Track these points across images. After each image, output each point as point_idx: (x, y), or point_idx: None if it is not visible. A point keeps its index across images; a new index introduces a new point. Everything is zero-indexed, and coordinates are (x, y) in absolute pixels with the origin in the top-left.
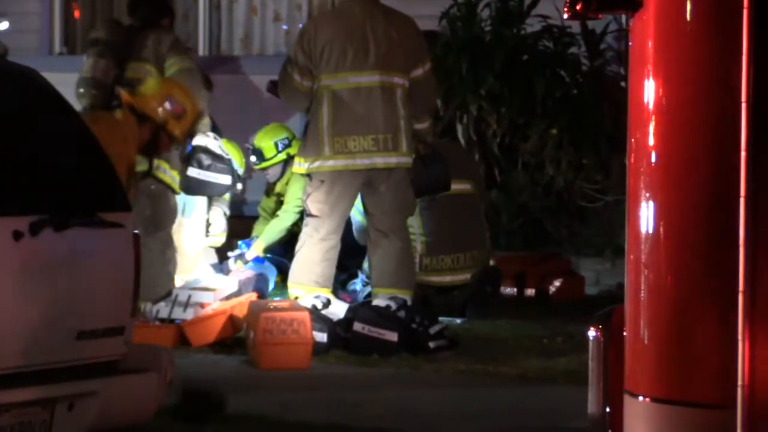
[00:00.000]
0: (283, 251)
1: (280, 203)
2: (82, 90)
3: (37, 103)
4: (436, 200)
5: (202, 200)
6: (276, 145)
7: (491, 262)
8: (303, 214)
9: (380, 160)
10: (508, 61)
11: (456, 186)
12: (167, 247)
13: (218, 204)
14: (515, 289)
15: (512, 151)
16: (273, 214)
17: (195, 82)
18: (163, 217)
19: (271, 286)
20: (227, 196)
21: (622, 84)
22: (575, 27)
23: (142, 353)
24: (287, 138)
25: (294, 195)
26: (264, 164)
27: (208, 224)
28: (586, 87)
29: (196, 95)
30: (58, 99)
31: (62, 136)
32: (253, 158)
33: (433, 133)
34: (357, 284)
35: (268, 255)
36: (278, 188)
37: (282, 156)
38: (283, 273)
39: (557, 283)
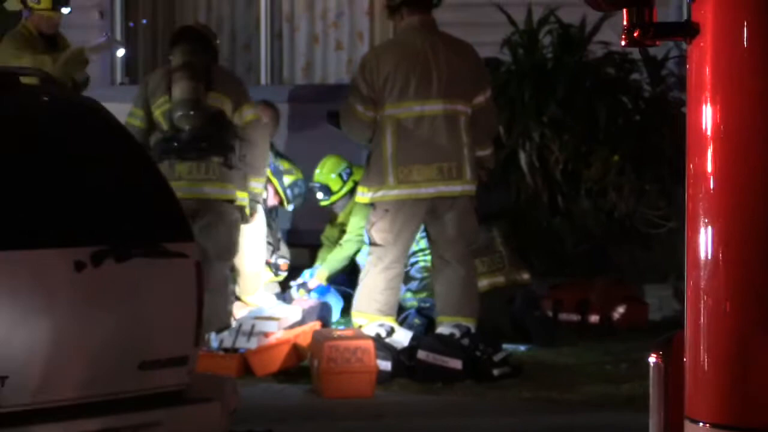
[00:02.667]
0: (346, 280)
1: (343, 232)
2: (182, 113)
3: (99, 134)
4: None
5: (260, 219)
6: (341, 176)
7: (524, 276)
8: (365, 242)
9: (445, 189)
10: (570, 88)
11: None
12: (229, 278)
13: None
14: (579, 316)
15: (575, 177)
16: (336, 242)
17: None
18: (235, 246)
19: (336, 315)
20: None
21: (684, 110)
22: (636, 53)
23: (205, 383)
24: (348, 167)
25: (357, 224)
26: (333, 198)
27: (271, 246)
28: (648, 113)
29: None
30: (120, 129)
31: (124, 166)
32: (319, 195)
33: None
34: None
35: (334, 285)
36: (341, 218)
37: (349, 185)
38: (347, 302)
39: (621, 310)
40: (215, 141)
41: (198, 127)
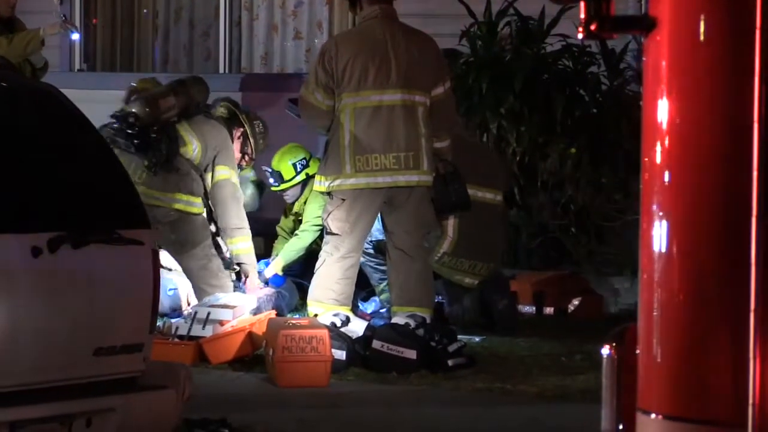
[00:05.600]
0: (301, 270)
1: (298, 222)
2: None
3: (56, 120)
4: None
5: None
6: (294, 166)
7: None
8: (322, 232)
9: (402, 179)
10: (528, 80)
11: (490, 195)
12: (209, 260)
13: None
14: (534, 308)
15: (532, 169)
16: (291, 233)
17: None
18: (190, 236)
19: (291, 305)
20: None
21: (642, 103)
22: (595, 46)
23: (160, 370)
24: (305, 158)
25: (312, 214)
26: (283, 186)
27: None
28: (605, 106)
29: None
30: (78, 115)
31: (81, 152)
32: (271, 180)
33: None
34: (373, 304)
35: (289, 276)
36: (296, 207)
37: (301, 177)
38: (302, 293)
39: (576, 302)
40: None
41: None
